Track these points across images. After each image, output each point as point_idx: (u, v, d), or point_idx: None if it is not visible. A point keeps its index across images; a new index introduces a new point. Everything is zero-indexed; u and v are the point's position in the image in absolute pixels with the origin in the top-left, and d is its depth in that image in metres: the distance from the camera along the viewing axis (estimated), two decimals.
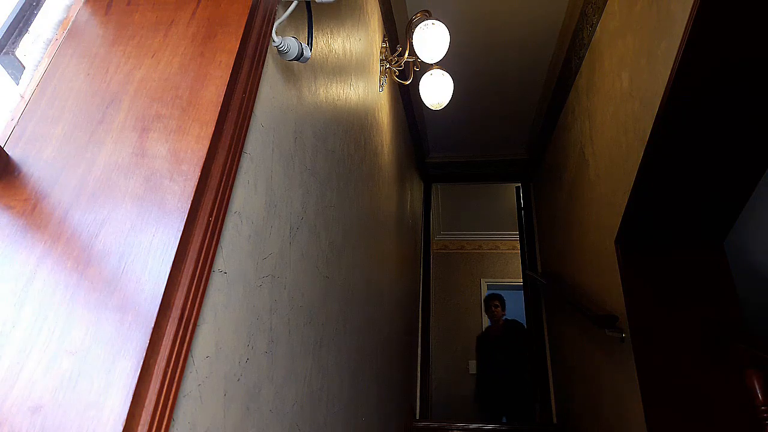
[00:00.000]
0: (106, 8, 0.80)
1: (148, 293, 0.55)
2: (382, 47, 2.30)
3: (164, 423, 0.52)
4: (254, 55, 0.79)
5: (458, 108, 3.37)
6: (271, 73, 0.93)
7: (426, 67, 2.56)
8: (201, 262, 0.61)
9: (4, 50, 0.74)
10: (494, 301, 4.55)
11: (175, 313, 0.56)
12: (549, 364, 3.56)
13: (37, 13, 0.77)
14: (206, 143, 0.66)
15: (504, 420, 4.13)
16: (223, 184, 0.68)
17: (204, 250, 0.62)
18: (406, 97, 3.16)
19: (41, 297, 0.54)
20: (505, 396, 4.13)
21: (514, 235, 5.61)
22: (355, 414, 1.55)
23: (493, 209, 5.70)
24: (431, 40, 2.15)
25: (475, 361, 4.15)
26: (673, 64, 1.44)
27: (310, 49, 0.98)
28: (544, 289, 3.72)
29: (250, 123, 0.81)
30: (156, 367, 0.53)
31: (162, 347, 0.54)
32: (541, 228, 3.95)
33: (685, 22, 1.36)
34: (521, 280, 4.29)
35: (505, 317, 4.49)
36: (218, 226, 0.66)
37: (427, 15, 2.17)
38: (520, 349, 4.19)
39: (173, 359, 0.55)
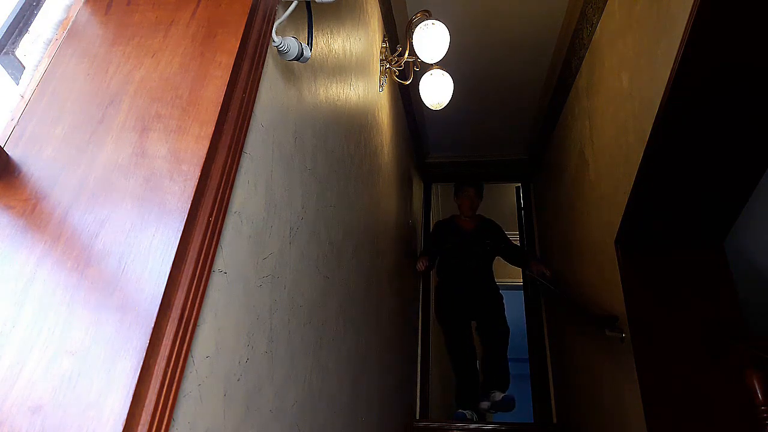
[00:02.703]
0: (106, 8, 0.80)
1: (148, 293, 0.55)
2: (382, 47, 2.30)
3: (164, 423, 0.52)
4: (254, 55, 0.79)
5: (458, 108, 3.36)
6: (271, 73, 0.93)
7: (426, 67, 2.56)
8: (201, 262, 0.61)
9: (4, 50, 0.74)
10: (467, 188, 3.47)
11: (175, 313, 0.56)
12: (549, 364, 3.56)
13: (37, 13, 0.77)
14: (206, 143, 0.66)
15: (474, 327, 3.43)
16: (223, 184, 0.68)
17: (204, 250, 0.62)
18: (406, 97, 3.16)
19: (41, 297, 0.54)
20: (473, 304, 3.34)
21: (514, 235, 5.60)
22: (355, 414, 1.55)
23: (493, 209, 5.69)
24: (431, 40, 2.15)
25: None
26: (673, 64, 1.44)
27: (310, 49, 0.98)
28: (544, 289, 3.72)
29: (250, 123, 0.81)
30: (156, 367, 0.53)
31: (162, 347, 0.54)
32: (541, 228, 3.95)
33: (685, 22, 1.36)
34: (521, 280, 4.28)
35: (480, 215, 3.52)
36: (218, 226, 0.66)
37: (427, 15, 2.17)
38: (491, 251, 3.38)
39: (173, 359, 0.55)
